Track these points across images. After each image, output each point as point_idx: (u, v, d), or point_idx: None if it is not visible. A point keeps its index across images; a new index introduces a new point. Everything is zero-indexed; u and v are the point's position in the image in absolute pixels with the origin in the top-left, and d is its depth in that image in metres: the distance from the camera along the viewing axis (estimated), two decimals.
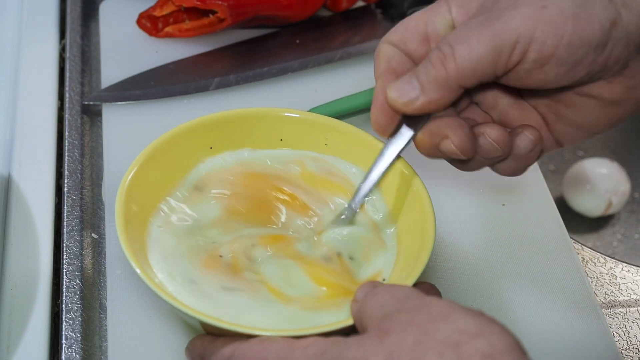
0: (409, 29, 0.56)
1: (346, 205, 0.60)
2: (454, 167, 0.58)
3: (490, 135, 0.56)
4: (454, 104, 0.57)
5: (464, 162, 0.58)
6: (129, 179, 0.59)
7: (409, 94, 0.54)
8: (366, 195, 0.59)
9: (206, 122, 0.63)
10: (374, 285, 0.51)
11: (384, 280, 0.58)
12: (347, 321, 0.51)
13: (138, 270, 0.54)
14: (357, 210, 0.60)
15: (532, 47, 0.51)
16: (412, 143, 0.57)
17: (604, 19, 0.51)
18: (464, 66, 0.52)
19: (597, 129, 0.57)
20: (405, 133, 0.56)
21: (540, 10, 0.51)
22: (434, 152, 0.56)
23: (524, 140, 0.56)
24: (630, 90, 0.54)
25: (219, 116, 0.64)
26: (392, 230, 0.61)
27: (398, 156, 0.58)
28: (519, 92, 0.58)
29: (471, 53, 0.52)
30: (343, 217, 0.60)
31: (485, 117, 0.59)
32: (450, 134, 0.55)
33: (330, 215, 0.62)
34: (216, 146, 0.64)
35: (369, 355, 0.45)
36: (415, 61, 0.56)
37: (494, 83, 0.55)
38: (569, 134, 0.58)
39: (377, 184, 0.59)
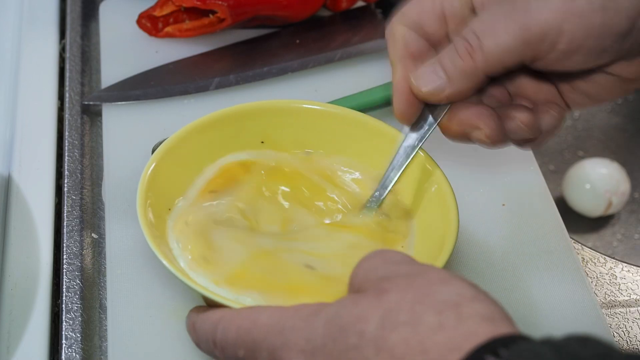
0: (425, 9, 0.56)
1: (373, 195, 0.61)
2: (453, 168, 0.58)
3: (521, 120, 0.56)
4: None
5: None
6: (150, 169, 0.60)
7: (435, 83, 0.54)
8: (390, 184, 0.60)
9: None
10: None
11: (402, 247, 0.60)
12: None
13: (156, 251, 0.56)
14: (382, 199, 0.60)
15: (562, 39, 0.52)
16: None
17: (630, 8, 0.52)
18: (491, 57, 0.53)
19: (609, 99, 0.58)
20: (429, 120, 0.57)
21: (569, 2, 0.51)
22: (461, 139, 0.57)
23: (551, 119, 0.58)
24: None
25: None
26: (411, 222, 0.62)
27: (421, 144, 0.59)
28: None
29: (499, 45, 0.52)
30: (368, 205, 0.61)
31: (502, 92, 0.59)
32: (482, 125, 0.56)
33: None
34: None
35: (366, 312, 0.45)
36: (432, 43, 0.56)
37: None
38: (580, 101, 0.59)
39: (402, 173, 0.59)
